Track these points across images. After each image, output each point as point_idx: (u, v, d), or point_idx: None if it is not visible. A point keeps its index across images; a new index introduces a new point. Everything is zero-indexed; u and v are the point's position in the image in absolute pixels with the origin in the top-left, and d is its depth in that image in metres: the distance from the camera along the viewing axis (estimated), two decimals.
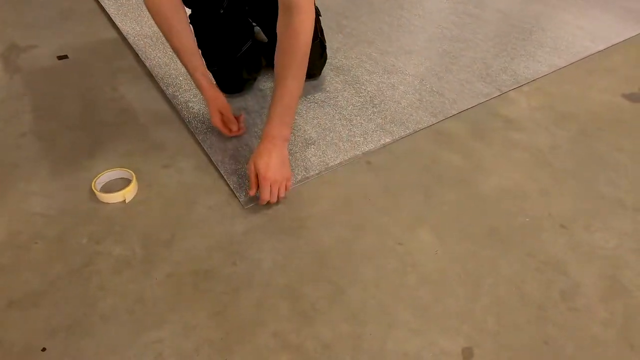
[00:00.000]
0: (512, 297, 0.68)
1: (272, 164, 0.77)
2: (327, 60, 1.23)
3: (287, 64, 0.77)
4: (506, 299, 0.68)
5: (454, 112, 1.09)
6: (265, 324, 0.63)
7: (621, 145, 1.01)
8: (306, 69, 0.80)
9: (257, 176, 0.77)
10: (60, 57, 1.23)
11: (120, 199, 0.80)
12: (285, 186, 0.80)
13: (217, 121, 0.92)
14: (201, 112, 1.04)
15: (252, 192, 0.78)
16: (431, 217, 0.81)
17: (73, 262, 0.70)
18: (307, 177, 0.87)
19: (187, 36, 0.88)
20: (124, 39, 1.32)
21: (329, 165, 0.91)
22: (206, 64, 1.06)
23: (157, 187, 0.84)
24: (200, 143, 0.94)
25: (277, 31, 0.78)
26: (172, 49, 0.89)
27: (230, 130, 0.94)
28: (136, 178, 0.83)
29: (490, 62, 1.31)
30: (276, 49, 0.79)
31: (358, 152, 0.94)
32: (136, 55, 1.24)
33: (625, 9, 1.71)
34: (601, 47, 1.42)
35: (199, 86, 0.92)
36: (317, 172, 0.88)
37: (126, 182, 0.83)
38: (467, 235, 0.78)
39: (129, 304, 0.65)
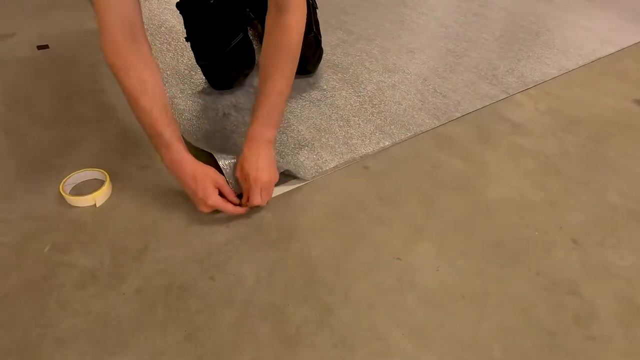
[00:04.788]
0: (519, 321, 0.62)
1: (260, 166, 0.70)
2: (325, 57, 1.16)
3: (275, 62, 0.71)
4: (513, 323, 0.61)
5: (458, 114, 1.02)
6: (242, 350, 0.56)
7: (632, 152, 0.94)
8: (296, 68, 0.74)
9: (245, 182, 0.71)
10: (40, 47, 1.15)
11: (91, 203, 0.73)
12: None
13: (217, 200, 0.68)
14: (187, 108, 0.97)
15: (243, 201, 0.72)
16: (432, 228, 0.74)
17: (31, 274, 0.62)
18: (298, 183, 0.80)
19: (163, 96, 0.69)
20: None
21: (323, 169, 0.84)
22: (195, 58, 0.99)
23: (132, 190, 0.77)
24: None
25: (266, 27, 0.72)
26: (142, 112, 0.66)
27: (234, 204, 0.72)
28: (110, 180, 0.76)
29: (496, 62, 1.25)
30: (263, 45, 0.73)
31: (355, 156, 0.87)
32: None
33: (633, 11, 1.65)
34: (610, 51, 1.36)
35: (181, 161, 0.68)
36: (309, 177, 0.81)
37: (99, 184, 0.75)
38: (470, 250, 0.71)
39: (90, 324, 0.57)
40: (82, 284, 0.62)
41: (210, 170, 0.71)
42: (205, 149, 0.80)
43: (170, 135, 0.67)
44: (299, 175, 0.80)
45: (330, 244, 0.70)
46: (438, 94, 1.09)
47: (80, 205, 0.73)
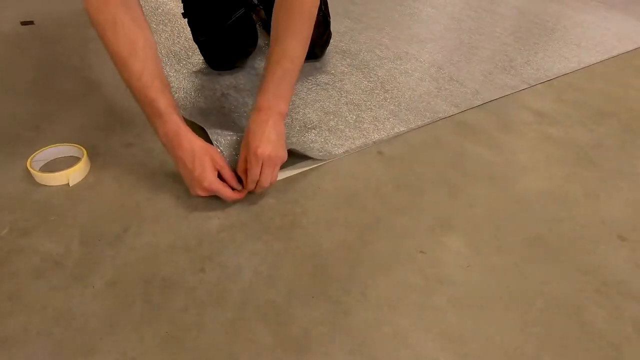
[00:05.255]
0: (571, 328, 0.51)
1: (265, 138, 0.59)
2: (332, 43, 1.08)
3: (289, 21, 0.62)
4: (564, 330, 0.51)
5: (478, 102, 0.94)
6: (237, 357, 0.45)
7: None
8: (311, 34, 0.64)
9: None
10: (24, 23, 1.06)
11: (63, 182, 0.62)
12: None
13: (216, 182, 0.58)
14: (182, 87, 0.88)
15: (245, 182, 0.61)
16: (459, 219, 0.65)
17: None
18: (304, 166, 0.71)
19: (156, 59, 0.60)
20: None
21: (332, 153, 0.74)
22: (193, 35, 0.91)
23: (114, 169, 0.66)
24: None
25: None
26: (132, 76, 0.57)
27: (233, 189, 0.61)
28: (88, 156, 0.65)
29: (513, 55, 1.18)
30: (275, 6, 0.64)
31: (367, 141, 0.78)
32: None
33: None
34: (630, 47, 1.30)
35: (177, 135, 0.58)
36: (316, 159, 0.72)
37: (75, 161, 0.65)
38: (505, 245, 0.61)
39: (47, 323, 0.46)
40: (41, 272, 0.51)
41: (212, 148, 0.60)
42: (199, 123, 0.70)
43: (165, 103, 0.57)
44: (311, 155, 0.70)
45: (343, 234, 0.60)
46: (454, 82, 1.01)
47: (51, 184, 0.62)
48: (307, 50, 0.64)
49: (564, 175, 0.76)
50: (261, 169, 0.59)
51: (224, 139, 0.65)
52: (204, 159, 0.58)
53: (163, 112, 0.57)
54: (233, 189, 0.61)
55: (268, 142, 0.59)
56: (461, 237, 0.62)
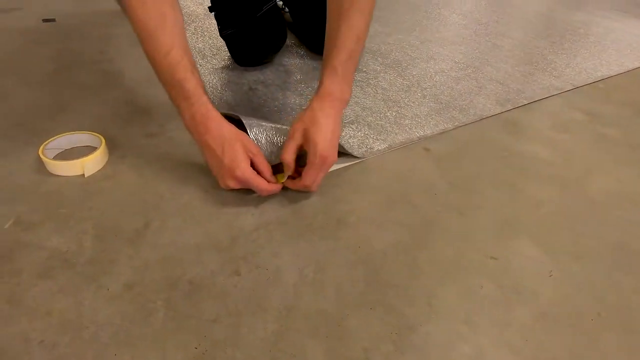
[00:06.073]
0: None
1: (330, 137, 0.51)
2: None
3: None
4: None
5: (524, 102, 0.87)
6: None
7: None
8: (370, 17, 0.56)
9: (299, 149, 0.53)
10: (46, 20, 1.03)
11: (78, 172, 0.55)
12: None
13: (248, 171, 0.51)
14: (208, 81, 0.82)
15: (290, 171, 0.53)
16: (527, 222, 0.56)
17: None
18: (346, 162, 0.63)
19: (185, 37, 0.54)
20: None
21: (374, 148, 0.67)
22: (219, 29, 0.86)
23: (134, 160, 0.59)
24: None
25: None
26: (158, 53, 0.51)
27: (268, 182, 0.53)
28: (106, 145, 0.59)
29: (551, 57, 1.12)
30: None
31: (412, 137, 0.71)
32: None
33: None
34: None
35: (204, 117, 0.51)
36: (359, 155, 0.64)
37: (92, 151, 0.58)
38: (586, 251, 0.52)
39: (51, 331, 0.38)
40: (47, 271, 0.43)
41: (243, 134, 0.53)
42: (229, 114, 0.63)
43: (194, 84, 0.51)
44: (351, 152, 0.63)
45: (396, 234, 0.52)
46: (495, 82, 0.94)
47: (64, 174, 0.55)
48: (369, 26, 0.56)
49: (635, 176, 0.68)
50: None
51: (262, 131, 0.58)
52: (235, 146, 0.51)
53: (191, 94, 0.51)
54: (268, 181, 0.53)
55: (332, 144, 0.51)
56: (533, 241, 0.53)
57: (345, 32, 0.54)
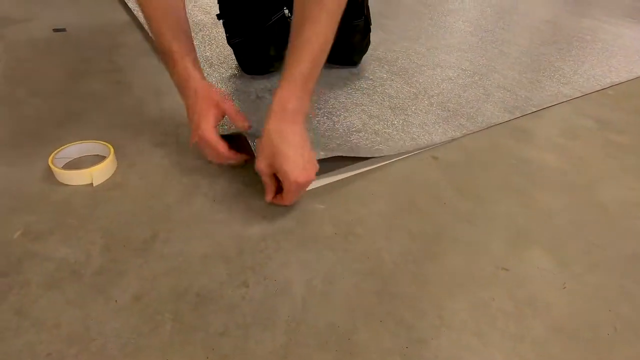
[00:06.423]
0: None
1: (299, 160, 0.50)
2: (367, 52, 1.03)
3: (316, 2, 0.50)
4: None
5: (532, 109, 0.86)
6: None
7: None
8: (337, 24, 0.53)
9: (274, 176, 0.52)
10: (56, 30, 1.05)
11: (87, 181, 0.55)
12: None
13: (210, 131, 0.53)
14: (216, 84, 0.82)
15: (269, 198, 0.53)
16: (539, 232, 0.55)
17: None
18: (351, 169, 0.63)
19: (182, 14, 0.58)
20: (135, 20, 1.16)
21: (383, 151, 0.67)
22: (227, 38, 0.87)
23: (143, 169, 0.59)
24: None
25: None
26: (154, 22, 0.55)
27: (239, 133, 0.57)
28: (114, 155, 0.59)
29: (558, 64, 1.11)
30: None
31: (419, 145, 0.70)
32: (146, 35, 1.06)
33: None
34: None
35: (185, 78, 0.55)
36: (365, 163, 0.64)
37: (101, 160, 0.59)
38: (600, 262, 0.51)
39: (59, 343, 0.37)
40: (55, 282, 0.42)
41: (218, 93, 0.55)
42: (232, 133, 0.62)
43: (177, 46, 0.55)
44: (358, 154, 0.63)
45: (405, 244, 0.51)
46: (502, 89, 0.94)
47: (73, 183, 0.55)
48: (331, 42, 0.53)
49: None
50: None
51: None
52: (204, 103, 0.52)
53: (176, 56, 0.54)
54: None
55: (304, 166, 0.50)
56: (546, 252, 0.52)
57: (311, 37, 0.50)
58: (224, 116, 0.56)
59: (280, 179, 0.51)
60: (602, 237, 0.55)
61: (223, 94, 0.56)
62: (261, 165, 0.51)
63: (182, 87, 0.55)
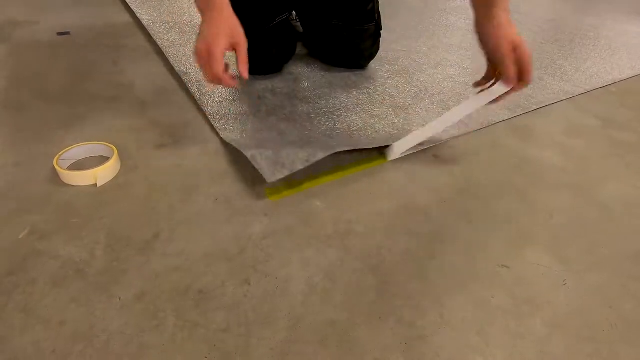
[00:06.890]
0: None
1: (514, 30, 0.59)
2: None
3: None
4: None
5: (534, 107, 0.86)
6: None
7: None
8: None
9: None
10: (60, 33, 1.06)
11: (91, 182, 0.56)
12: None
13: (218, 50, 0.56)
14: (217, 90, 0.83)
15: (514, 81, 0.59)
16: (540, 231, 0.55)
17: None
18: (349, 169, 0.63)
19: None
20: (137, 22, 1.17)
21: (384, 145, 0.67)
22: None
23: (146, 170, 0.60)
24: (211, 123, 0.72)
25: None
26: None
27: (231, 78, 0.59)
28: (118, 155, 0.60)
29: (560, 62, 1.11)
30: None
31: (420, 143, 0.71)
32: (148, 37, 1.07)
33: None
34: None
35: (219, 3, 0.58)
36: (382, 144, 0.64)
37: (105, 161, 0.59)
38: (602, 260, 0.51)
39: (64, 340, 0.38)
40: (60, 281, 0.43)
41: (239, 27, 0.59)
42: (234, 144, 0.64)
43: None
44: (361, 146, 0.64)
45: (405, 243, 0.51)
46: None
47: (77, 184, 0.56)
48: None
49: None
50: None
51: (261, 157, 0.58)
52: (226, 25, 0.57)
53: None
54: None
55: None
56: (546, 250, 0.52)
57: None
58: (233, 50, 0.59)
59: (522, 58, 0.57)
60: (604, 235, 0.55)
61: (241, 31, 0.59)
62: (507, 58, 0.57)
63: (212, 7, 0.57)
